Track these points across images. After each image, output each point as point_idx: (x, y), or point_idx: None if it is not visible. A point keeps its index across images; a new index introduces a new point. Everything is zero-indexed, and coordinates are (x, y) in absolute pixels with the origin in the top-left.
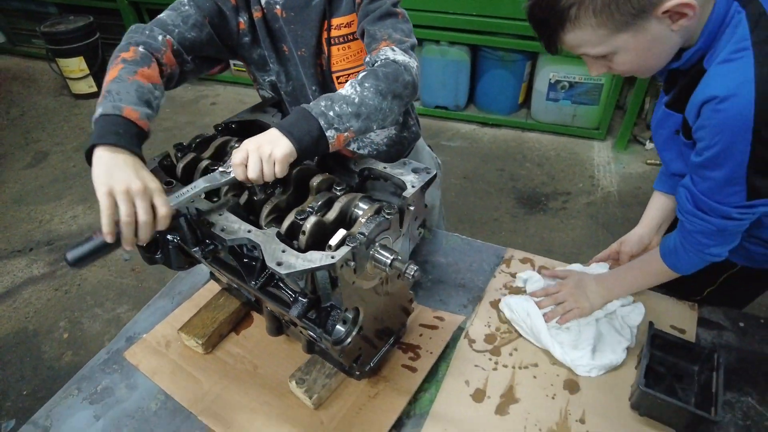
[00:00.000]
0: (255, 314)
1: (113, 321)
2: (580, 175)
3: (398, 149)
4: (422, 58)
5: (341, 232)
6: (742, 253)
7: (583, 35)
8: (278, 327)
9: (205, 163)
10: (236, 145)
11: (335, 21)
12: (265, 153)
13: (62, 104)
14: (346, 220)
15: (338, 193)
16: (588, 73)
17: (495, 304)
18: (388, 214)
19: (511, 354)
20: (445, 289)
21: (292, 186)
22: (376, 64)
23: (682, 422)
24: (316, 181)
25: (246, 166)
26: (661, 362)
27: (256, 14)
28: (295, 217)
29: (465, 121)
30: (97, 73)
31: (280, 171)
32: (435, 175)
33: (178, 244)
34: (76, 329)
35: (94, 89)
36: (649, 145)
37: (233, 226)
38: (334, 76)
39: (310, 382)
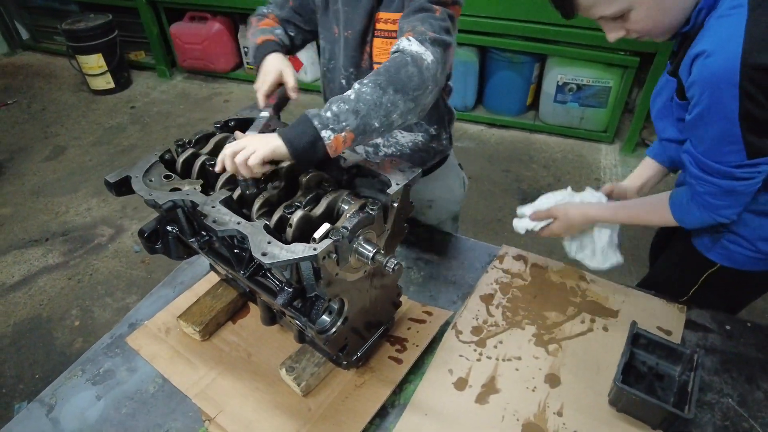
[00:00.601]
0: (251, 304)
1: (122, 310)
2: (586, 177)
3: (422, 157)
4: None
5: (325, 226)
6: (722, 252)
7: None
8: (272, 317)
9: (203, 158)
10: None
11: (383, 15)
12: (249, 150)
13: (81, 100)
14: (333, 215)
15: (326, 190)
16: (609, 39)
17: (485, 298)
18: (372, 210)
19: (496, 346)
20: (436, 285)
21: (283, 182)
22: (385, 61)
23: (657, 419)
24: (305, 177)
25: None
26: (643, 362)
27: None
28: (284, 211)
29: (473, 122)
30: (115, 69)
31: (253, 166)
32: (420, 173)
33: (176, 234)
34: (87, 317)
35: (112, 85)
36: None
37: (224, 218)
38: (374, 67)
39: (299, 370)
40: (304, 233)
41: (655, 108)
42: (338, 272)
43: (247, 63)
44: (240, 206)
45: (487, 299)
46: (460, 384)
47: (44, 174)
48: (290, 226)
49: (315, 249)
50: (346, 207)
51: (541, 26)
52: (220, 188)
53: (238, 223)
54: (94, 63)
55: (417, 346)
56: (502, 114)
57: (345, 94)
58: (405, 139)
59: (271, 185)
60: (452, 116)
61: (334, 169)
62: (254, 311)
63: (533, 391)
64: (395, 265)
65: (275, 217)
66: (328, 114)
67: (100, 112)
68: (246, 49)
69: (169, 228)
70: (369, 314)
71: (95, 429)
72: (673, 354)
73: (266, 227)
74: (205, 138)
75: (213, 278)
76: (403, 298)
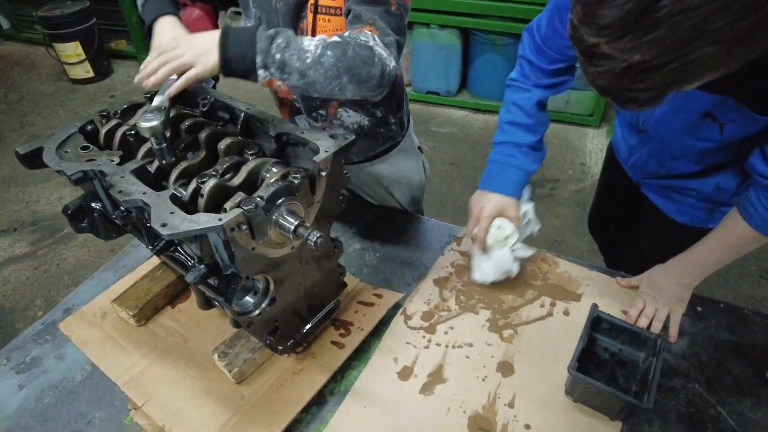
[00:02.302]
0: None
1: None
2: (570, 162)
3: (369, 142)
4: (412, 42)
5: (239, 195)
6: (673, 205)
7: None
8: (207, 300)
9: (124, 128)
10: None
11: None
12: (185, 60)
13: (60, 89)
14: (256, 185)
15: (248, 157)
16: None
17: (439, 282)
18: (294, 179)
19: (446, 332)
20: (391, 267)
21: (204, 150)
22: (353, 41)
23: (615, 409)
24: (224, 143)
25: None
26: (606, 348)
27: None
28: (197, 181)
29: (457, 107)
30: (94, 58)
31: (187, 82)
32: (354, 141)
33: (101, 211)
34: (51, 307)
35: (91, 74)
36: None
37: (131, 188)
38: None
39: (232, 356)
40: (220, 204)
41: (668, 130)
42: (255, 247)
43: None
44: (159, 178)
45: (442, 283)
46: (405, 373)
47: (17, 164)
48: (202, 196)
49: (221, 219)
50: (268, 176)
51: (525, 6)
52: (142, 158)
53: (144, 193)
54: (72, 51)
55: (361, 330)
56: (486, 99)
57: (306, 46)
58: (350, 119)
59: (191, 155)
60: (401, 101)
61: (263, 138)
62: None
63: (483, 380)
64: (318, 238)
65: (190, 188)
66: (276, 57)
67: (78, 102)
68: None
69: (93, 205)
70: (308, 295)
71: (12, 421)
72: (637, 339)
73: (174, 198)
74: (133, 109)
75: (157, 261)
76: (354, 280)
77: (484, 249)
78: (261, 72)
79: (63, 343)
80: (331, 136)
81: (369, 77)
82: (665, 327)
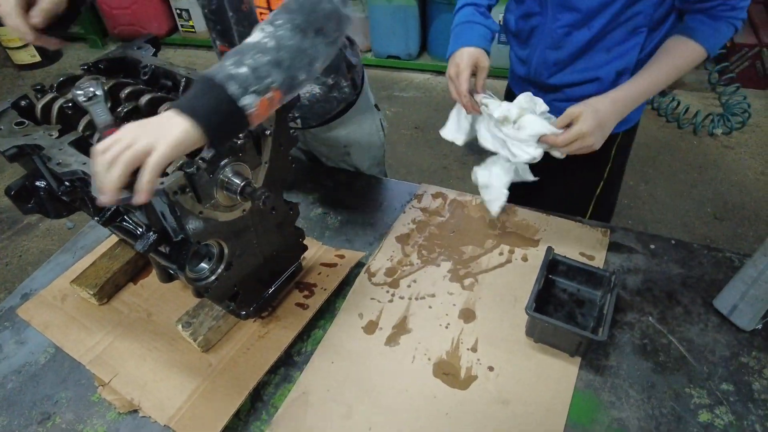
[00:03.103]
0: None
1: None
2: None
3: (323, 107)
4: (369, 6)
5: (180, 158)
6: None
7: None
8: (169, 274)
9: (61, 101)
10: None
11: None
12: (140, 146)
13: (5, 76)
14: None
15: None
16: None
17: (401, 239)
18: (237, 138)
19: (409, 286)
20: (353, 229)
21: (144, 117)
22: None
23: (573, 346)
24: (164, 107)
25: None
26: (564, 289)
27: None
28: None
29: (419, 71)
30: None
31: (153, 173)
32: (298, 98)
33: (47, 189)
34: None
35: (38, 58)
36: None
37: (69, 160)
38: (258, 11)
39: (196, 325)
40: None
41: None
42: (202, 211)
43: (181, 25)
44: None
45: (403, 239)
46: (370, 327)
47: None
48: None
49: (162, 183)
50: None
51: None
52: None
53: (84, 164)
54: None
55: (325, 290)
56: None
57: (255, 40)
58: (301, 92)
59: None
60: (353, 63)
61: None
62: None
63: (446, 328)
64: (265, 196)
65: None
66: (244, 70)
67: (26, 88)
68: (179, 10)
69: (38, 183)
70: (268, 260)
71: None
72: (593, 278)
73: None
74: (70, 81)
75: (115, 239)
76: (316, 244)
77: (469, 106)
78: (245, 100)
79: (23, 328)
80: None
81: (328, 16)
82: (625, 268)
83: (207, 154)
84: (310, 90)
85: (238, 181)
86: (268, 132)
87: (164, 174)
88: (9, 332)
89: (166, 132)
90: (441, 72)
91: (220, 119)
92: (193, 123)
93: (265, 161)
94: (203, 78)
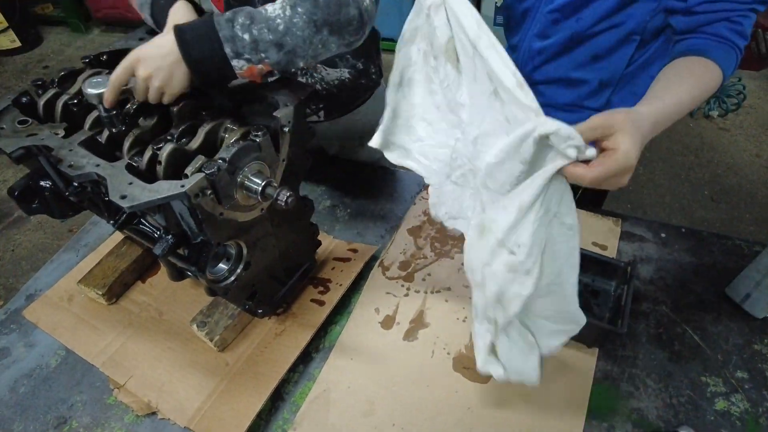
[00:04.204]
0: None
1: None
2: None
3: (350, 95)
4: None
5: (199, 159)
6: None
7: None
8: (180, 271)
9: (65, 97)
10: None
11: None
12: (155, 86)
13: None
14: (216, 147)
15: (204, 119)
16: None
17: (413, 231)
18: (255, 136)
19: (424, 279)
20: (363, 221)
21: (156, 114)
22: None
23: (591, 337)
24: (176, 107)
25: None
26: (579, 280)
27: None
28: (152, 148)
29: None
30: (19, 25)
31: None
32: (314, 91)
33: (52, 188)
34: (12, 296)
35: (18, 44)
36: None
37: (81, 161)
38: None
39: (211, 324)
40: (179, 170)
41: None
42: (223, 212)
43: None
44: (111, 149)
45: (415, 232)
46: (387, 322)
47: None
48: (159, 163)
49: (183, 186)
50: (228, 136)
51: None
52: (89, 129)
53: (97, 165)
54: None
55: (340, 285)
56: None
57: (270, 14)
58: (330, 76)
59: (143, 121)
60: (378, 45)
61: (216, 96)
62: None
63: (464, 321)
64: (288, 197)
65: (146, 156)
66: (246, 38)
67: (8, 75)
68: None
69: (42, 183)
70: (283, 257)
71: None
72: (608, 268)
73: (130, 167)
74: (72, 76)
75: (119, 237)
76: (327, 238)
77: None
78: (235, 63)
79: (31, 330)
80: (289, 89)
81: (349, 20)
82: (637, 257)
83: (227, 154)
84: (338, 76)
85: (259, 181)
86: (286, 129)
87: (184, 176)
88: (17, 335)
89: (173, 80)
90: None
91: (210, 68)
92: (190, 68)
93: (283, 158)
94: (209, 23)
